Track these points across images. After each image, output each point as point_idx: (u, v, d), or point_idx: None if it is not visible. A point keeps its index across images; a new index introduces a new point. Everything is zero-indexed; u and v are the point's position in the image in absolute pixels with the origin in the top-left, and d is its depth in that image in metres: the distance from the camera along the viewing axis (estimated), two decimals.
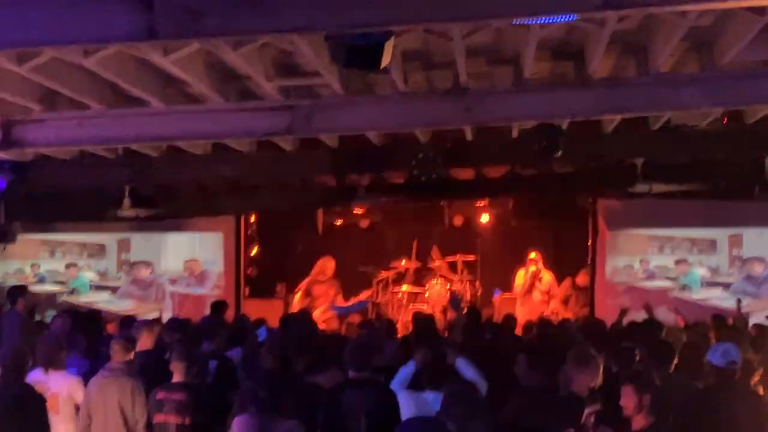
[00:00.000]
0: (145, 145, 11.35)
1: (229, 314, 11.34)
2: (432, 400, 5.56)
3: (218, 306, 10.67)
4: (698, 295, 13.60)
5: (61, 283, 15.14)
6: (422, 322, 9.72)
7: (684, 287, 13.68)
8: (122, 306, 14.67)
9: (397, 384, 6.32)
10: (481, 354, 6.48)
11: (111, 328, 10.39)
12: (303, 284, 15.46)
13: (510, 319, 10.57)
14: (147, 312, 13.87)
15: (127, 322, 9.46)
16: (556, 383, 6.28)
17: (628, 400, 5.73)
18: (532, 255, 14.64)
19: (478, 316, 10.30)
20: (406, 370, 6.50)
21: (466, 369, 6.37)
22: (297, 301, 15.14)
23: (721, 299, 13.32)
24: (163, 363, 7.23)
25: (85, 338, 8.71)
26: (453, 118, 9.21)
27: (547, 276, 14.68)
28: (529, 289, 14.59)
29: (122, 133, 9.69)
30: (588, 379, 6.11)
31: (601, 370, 6.21)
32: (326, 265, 15.53)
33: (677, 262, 13.80)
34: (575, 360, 6.22)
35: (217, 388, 7.06)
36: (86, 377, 7.29)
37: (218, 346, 7.92)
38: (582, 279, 14.54)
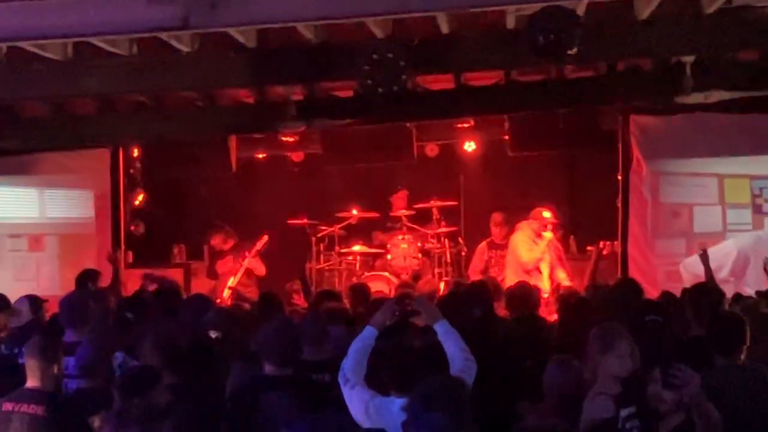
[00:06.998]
0: None
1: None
2: (399, 410, 5.43)
3: (86, 277, 10.64)
4: None
5: None
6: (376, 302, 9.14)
7: None
8: None
9: (349, 370, 6.19)
10: (470, 338, 6.45)
11: None
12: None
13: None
14: None
15: None
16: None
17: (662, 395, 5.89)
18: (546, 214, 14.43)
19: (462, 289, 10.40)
20: (361, 344, 6.35)
21: (447, 338, 6.27)
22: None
23: None
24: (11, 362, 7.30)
25: None
26: (421, 1, 9.17)
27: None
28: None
29: None
30: (615, 367, 6.27)
31: (633, 353, 6.35)
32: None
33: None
34: (598, 340, 6.43)
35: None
36: None
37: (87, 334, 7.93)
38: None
